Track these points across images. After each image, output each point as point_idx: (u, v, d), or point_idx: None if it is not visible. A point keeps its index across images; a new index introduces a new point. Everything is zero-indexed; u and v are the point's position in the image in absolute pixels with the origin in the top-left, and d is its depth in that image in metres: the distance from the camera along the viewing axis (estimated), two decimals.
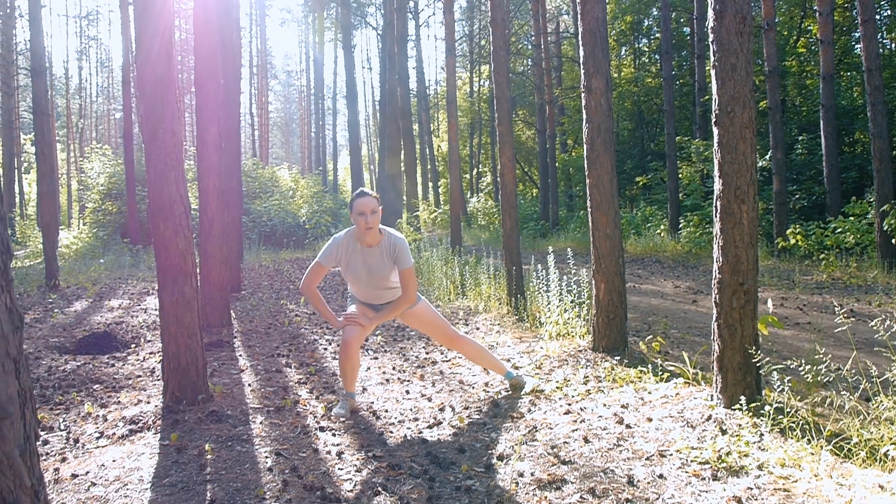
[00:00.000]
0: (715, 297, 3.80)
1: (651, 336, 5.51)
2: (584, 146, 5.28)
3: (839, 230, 11.32)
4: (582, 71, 5.23)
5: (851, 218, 11.43)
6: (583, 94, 5.25)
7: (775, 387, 3.50)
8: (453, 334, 4.54)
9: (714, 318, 3.81)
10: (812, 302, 8.20)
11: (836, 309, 3.91)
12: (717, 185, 3.75)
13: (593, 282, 5.33)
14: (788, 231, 11.81)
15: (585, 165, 5.28)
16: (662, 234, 15.98)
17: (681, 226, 15.30)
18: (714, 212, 3.80)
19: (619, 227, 5.22)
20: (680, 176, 16.82)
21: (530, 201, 28.25)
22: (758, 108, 15.82)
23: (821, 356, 3.52)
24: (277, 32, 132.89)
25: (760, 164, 14.62)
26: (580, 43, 5.25)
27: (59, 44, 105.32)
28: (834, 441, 3.17)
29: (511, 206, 7.26)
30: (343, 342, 4.22)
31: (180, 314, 4.16)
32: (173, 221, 4.12)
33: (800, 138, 15.53)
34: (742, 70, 3.63)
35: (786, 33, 18.32)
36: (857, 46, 17.77)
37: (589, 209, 5.30)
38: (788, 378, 3.51)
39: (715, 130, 3.76)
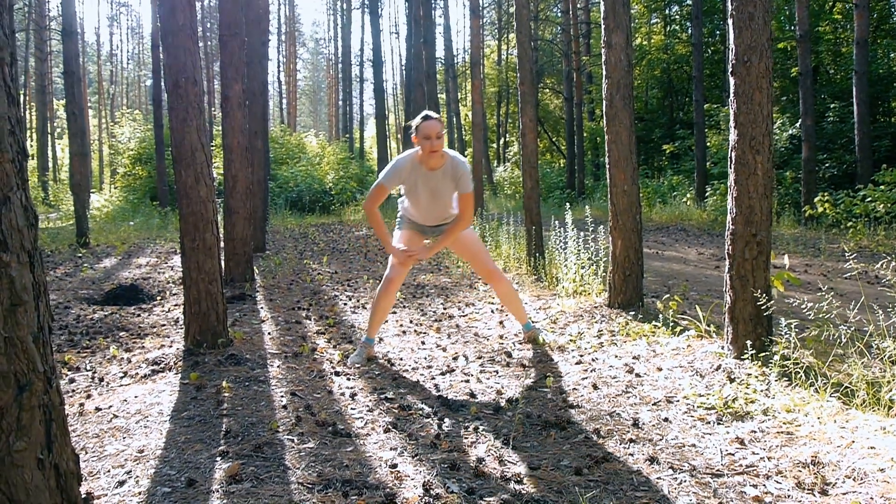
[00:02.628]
0: (728, 249, 3.80)
1: (668, 296, 5.52)
2: (604, 102, 5.26)
3: (869, 198, 11.12)
4: (602, 27, 5.19)
5: (882, 186, 11.21)
6: (603, 50, 5.22)
7: (783, 334, 3.50)
8: (493, 268, 4.50)
9: (726, 270, 3.82)
10: (837, 269, 8.11)
11: (845, 255, 3.88)
12: (732, 136, 3.73)
13: (610, 238, 5.33)
14: (816, 199, 11.64)
15: (604, 122, 5.26)
16: (688, 203, 15.83)
17: (707, 194, 15.14)
18: (728, 162, 3.79)
19: (637, 183, 5.20)
20: (708, 144, 16.59)
21: (557, 171, 28.06)
22: (789, 75, 15.51)
23: (822, 294, 3.52)
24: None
25: (791, 131, 14.39)
26: None
27: (91, 10, 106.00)
28: (840, 388, 3.19)
29: (531, 167, 7.25)
30: (387, 279, 4.28)
31: (201, 260, 4.26)
32: (195, 169, 4.21)
33: (832, 106, 15.20)
34: (759, 19, 3.59)
35: None
36: (894, 12, 17.29)
37: (607, 165, 5.29)
38: (796, 324, 3.51)
39: (731, 80, 3.73)
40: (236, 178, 6.98)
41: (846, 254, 3.99)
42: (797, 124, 13.43)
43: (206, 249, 4.27)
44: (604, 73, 5.24)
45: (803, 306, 3.67)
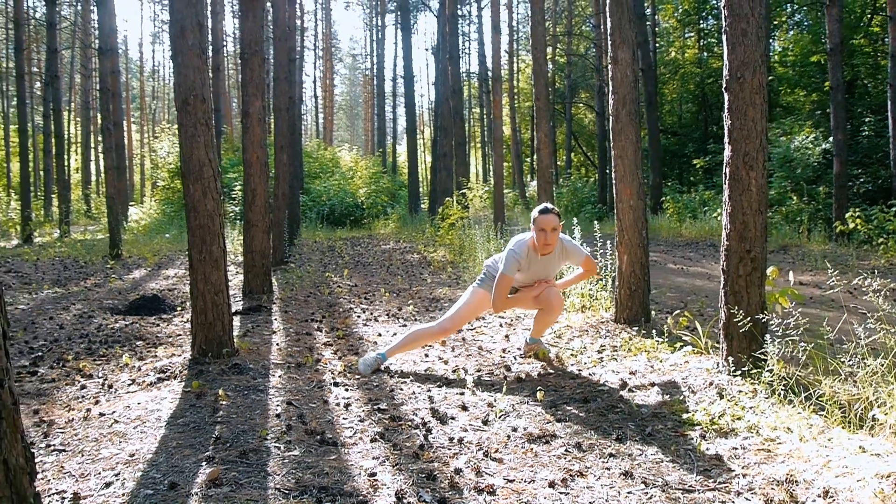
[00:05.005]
0: (722, 265, 3.79)
1: (678, 312, 5.49)
2: (610, 118, 5.28)
3: None
4: (609, 42, 5.22)
5: None
6: (609, 66, 5.25)
7: (770, 351, 3.47)
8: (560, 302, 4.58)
9: (721, 286, 3.81)
10: (864, 286, 7.94)
11: (829, 271, 3.80)
12: (727, 152, 3.73)
13: (616, 254, 5.34)
14: (847, 215, 11.41)
15: (611, 137, 5.28)
16: (719, 218, 15.61)
17: None
18: (723, 178, 3.78)
19: (643, 198, 5.21)
20: None
21: (590, 186, 27.90)
22: (823, 89, 15.27)
23: (793, 314, 3.49)
24: (343, 16, 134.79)
25: (824, 146, 14.13)
26: (607, 14, 5.23)
27: (135, 27, 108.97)
28: (827, 406, 3.15)
29: (546, 182, 7.29)
30: (443, 329, 4.53)
31: (207, 272, 4.39)
32: (202, 183, 4.34)
33: (867, 120, 14.91)
34: (752, 35, 3.60)
35: (858, 10, 17.56)
36: None
37: (613, 181, 5.30)
38: (791, 341, 3.48)
39: (725, 96, 3.73)
40: (255, 192, 7.14)
41: (829, 270, 3.95)
42: (831, 139, 13.19)
43: (212, 262, 4.39)
44: (610, 88, 5.26)
45: (804, 323, 3.64)
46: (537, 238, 4.18)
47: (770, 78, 16.88)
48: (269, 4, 13.52)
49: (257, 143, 7.11)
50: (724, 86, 3.73)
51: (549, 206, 4.21)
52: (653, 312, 5.93)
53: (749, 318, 3.62)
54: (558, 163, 33.29)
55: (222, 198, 4.52)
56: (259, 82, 7.12)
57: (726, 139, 3.75)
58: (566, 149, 31.93)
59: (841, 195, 12.25)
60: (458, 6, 40.08)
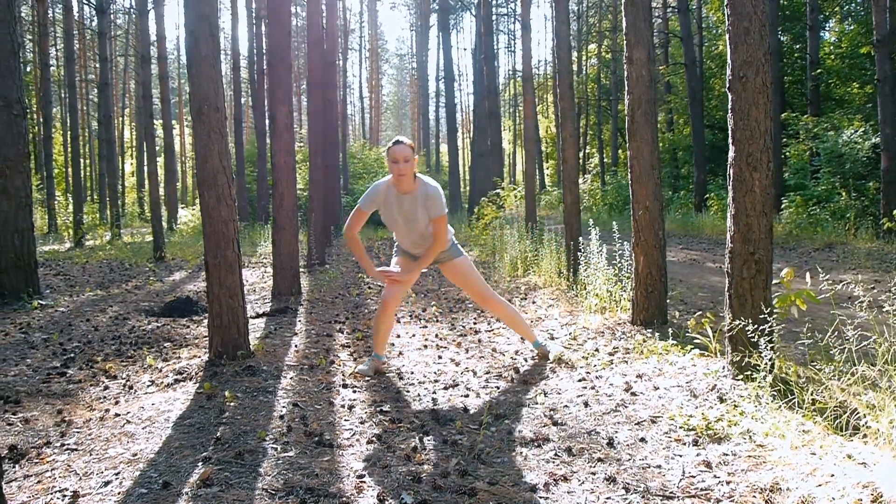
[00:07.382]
0: (726, 267, 3.74)
1: (700, 313, 5.41)
2: (626, 118, 5.24)
3: None
4: (624, 42, 5.18)
5: None
6: (624, 66, 5.21)
7: (764, 356, 3.40)
8: (487, 294, 4.57)
9: (726, 288, 3.76)
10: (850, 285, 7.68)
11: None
12: (731, 152, 3.68)
13: (633, 255, 5.29)
14: (895, 211, 11.04)
15: (627, 137, 5.24)
16: None
17: (783, 206, 14.56)
18: (727, 179, 3.73)
19: (660, 199, 5.15)
20: (788, 154, 15.97)
21: None
22: (874, 81, 14.77)
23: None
24: (389, 16, 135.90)
25: (874, 140, 13.69)
26: (623, 13, 5.19)
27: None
28: (823, 412, 3.08)
29: (572, 182, 7.25)
30: (383, 301, 4.46)
31: (223, 276, 4.51)
32: (216, 191, 4.47)
33: None
34: (755, 34, 3.54)
35: None
36: None
37: (629, 181, 5.26)
38: (800, 343, 3.42)
39: (729, 96, 3.68)
40: (283, 196, 7.29)
41: (820, 273, 3.86)
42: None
43: (227, 266, 4.51)
44: (626, 88, 5.22)
45: (815, 325, 3.57)
46: (391, 171, 4.14)
47: (818, 70, 16.39)
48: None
49: (284, 148, 7.26)
50: (728, 86, 3.68)
51: (403, 138, 4.18)
52: (678, 313, 5.87)
53: (752, 322, 3.56)
54: (605, 160, 32.91)
55: (236, 203, 4.64)
56: (286, 88, 7.26)
57: (730, 139, 3.69)
58: (612, 146, 31.56)
59: (889, 191, 11.85)
60: (504, 4, 40.00)
